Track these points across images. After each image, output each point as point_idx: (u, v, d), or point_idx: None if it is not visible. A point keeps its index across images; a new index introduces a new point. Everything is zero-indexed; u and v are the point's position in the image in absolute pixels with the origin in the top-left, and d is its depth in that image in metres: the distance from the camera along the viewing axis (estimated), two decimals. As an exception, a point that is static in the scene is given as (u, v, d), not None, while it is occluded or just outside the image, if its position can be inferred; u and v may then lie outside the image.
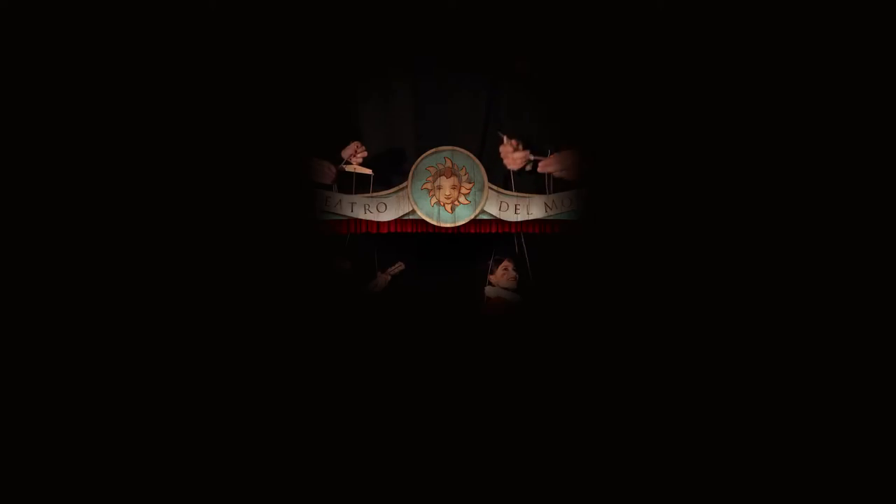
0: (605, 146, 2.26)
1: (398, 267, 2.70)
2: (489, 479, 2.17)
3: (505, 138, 2.39)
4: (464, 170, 2.23)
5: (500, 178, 2.31)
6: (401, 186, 2.23)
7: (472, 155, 2.24)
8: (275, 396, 2.11)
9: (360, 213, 2.23)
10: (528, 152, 2.40)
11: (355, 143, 2.33)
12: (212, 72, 2.15)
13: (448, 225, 2.25)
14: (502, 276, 2.80)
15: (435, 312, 3.13)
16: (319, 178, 2.26)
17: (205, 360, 2.09)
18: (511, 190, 2.27)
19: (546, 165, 2.31)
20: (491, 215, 2.25)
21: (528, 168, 2.40)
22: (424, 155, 2.23)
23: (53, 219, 2.07)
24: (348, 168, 2.31)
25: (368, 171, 2.30)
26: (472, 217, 2.24)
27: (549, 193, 2.27)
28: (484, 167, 2.24)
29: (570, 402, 2.16)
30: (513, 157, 2.39)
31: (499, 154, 2.45)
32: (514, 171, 2.41)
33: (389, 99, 2.64)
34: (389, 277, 2.67)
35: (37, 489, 1.94)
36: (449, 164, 2.23)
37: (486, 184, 2.23)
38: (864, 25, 2.13)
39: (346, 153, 2.32)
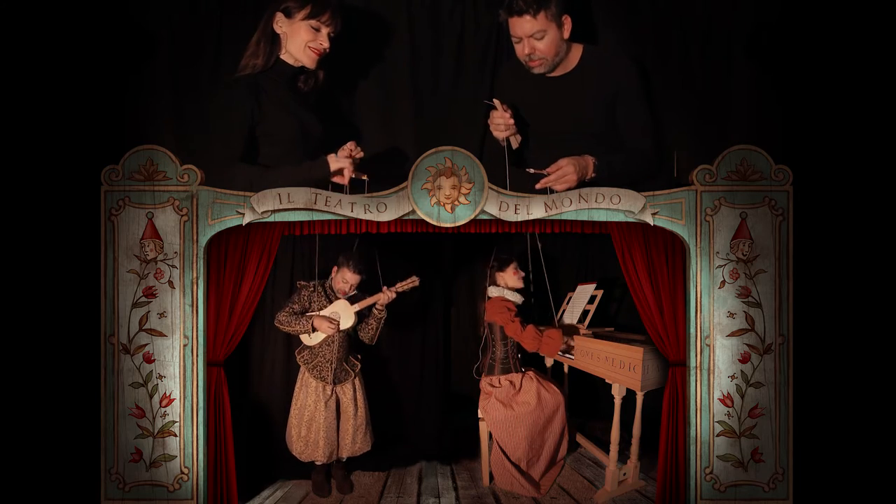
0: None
1: (411, 282, 2.58)
2: None
3: (498, 104, 2.37)
4: (464, 170, 2.22)
5: (500, 179, 2.30)
6: (401, 186, 2.23)
7: (472, 155, 2.23)
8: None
9: (360, 213, 2.23)
10: (513, 123, 2.38)
11: (351, 142, 2.31)
12: None
13: (448, 225, 2.24)
14: (514, 274, 2.78)
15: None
16: (334, 178, 2.27)
17: None
18: (506, 160, 2.26)
19: (549, 178, 2.31)
20: (491, 215, 2.24)
21: (516, 144, 2.42)
22: (424, 155, 2.22)
23: None
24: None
25: (364, 177, 2.30)
26: (472, 217, 2.24)
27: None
28: (484, 167, 2.22)
29: None
30: (503, 123, 2.38)
31: (498, 154, 2.45)
32: (508, 152, 2.40)
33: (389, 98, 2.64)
34: (394, 294, 2.57)
35: None
36: (449, 164, 2.22)
37: (487, 184, 2.22)
38: None
39: (342, 152, 2.30)
